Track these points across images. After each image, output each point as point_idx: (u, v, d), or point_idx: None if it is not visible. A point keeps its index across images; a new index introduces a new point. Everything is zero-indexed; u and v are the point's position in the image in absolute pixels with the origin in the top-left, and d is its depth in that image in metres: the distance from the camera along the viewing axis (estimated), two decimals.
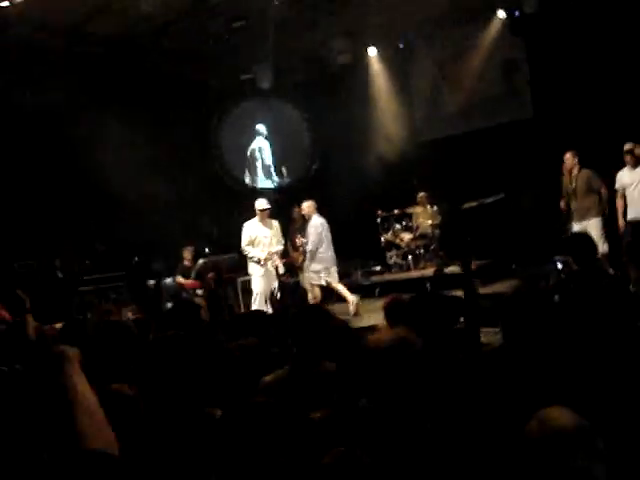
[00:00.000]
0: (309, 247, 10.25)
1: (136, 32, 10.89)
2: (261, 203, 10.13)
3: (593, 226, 9.34)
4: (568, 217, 9.83)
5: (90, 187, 11.19)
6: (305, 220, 11.61)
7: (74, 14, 9.96)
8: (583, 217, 9.57)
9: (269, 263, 10.02)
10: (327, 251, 10.28)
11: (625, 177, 9.42)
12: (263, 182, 14.37)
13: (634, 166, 9.30)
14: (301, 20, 11.63)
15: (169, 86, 12.24)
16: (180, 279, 11.15)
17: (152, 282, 11.11)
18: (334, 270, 10.38)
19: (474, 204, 12.12)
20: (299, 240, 10.85)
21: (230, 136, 14.10)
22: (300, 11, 11.25)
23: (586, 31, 11.17)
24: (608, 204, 9.57)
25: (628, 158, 9.32)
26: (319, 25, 11.95)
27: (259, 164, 14.40)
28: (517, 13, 11.79)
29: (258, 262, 9.99)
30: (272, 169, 14.48)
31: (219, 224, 12.77)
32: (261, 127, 14.38)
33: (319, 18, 11.70)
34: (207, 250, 11.71)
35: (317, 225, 10.27)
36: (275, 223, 10.36)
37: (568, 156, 9.67)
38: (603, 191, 9.54)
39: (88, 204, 11.38)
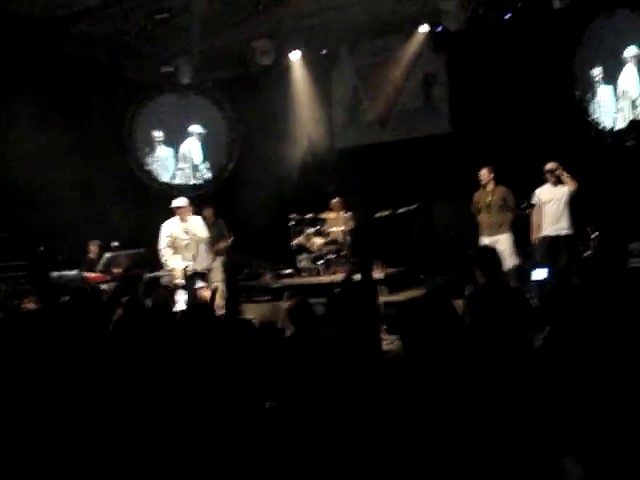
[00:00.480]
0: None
1: (55, 15, 10.59)
2: (176, 201, 9.91)
3: (504, 241, 9.58)
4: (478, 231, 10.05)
5: None
6: (216, 219, 11.57)
7: None
8: (494, 232, 9.78)
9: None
10: None
11: (545, 194, 9.66)
12: (178, 178, 14.13)
13: (555, 184, 9.55)
14: (225, 18, 11.53)
15: (85, 73, 11.92)
16: (85, 272, 10.88)
17: (55, 273, 10.77)
18: None
19: (386, 213, 12.29)
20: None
21: (145, 129, 13.83)
22: (224, 9, 11.15)
23: (506, 50, 11.48)
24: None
25: (549, 176, 9.56)
26: (243, 24, 11.87)
27: (176, 160, 14.16)
28: (439, 28, 11.96)
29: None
30: (189, 166, 14.26)
31: (130, 218, 12.49)
32: (180, 123, 14.14)
33: (243, 17, 11.63)
34: (115, 244, 11.44)
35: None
36: (195, 220, 10.05)
37: (484, 172, 9.88)
38: (516, 209, 9.82)
39: None
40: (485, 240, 9.78)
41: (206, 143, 14.25)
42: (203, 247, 9.93)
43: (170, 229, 9.83)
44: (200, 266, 9.93)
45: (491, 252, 5.92)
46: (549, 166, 9.60)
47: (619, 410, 2.79)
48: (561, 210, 9.55)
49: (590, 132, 11.30)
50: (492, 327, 3.55)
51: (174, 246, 9.83)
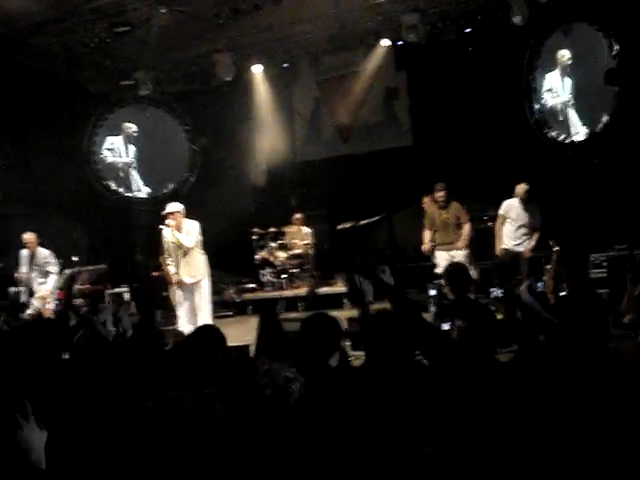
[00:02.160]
0: None
1: (12, 27, 10.44)
2: (169, 206, 9.14)
3: (461, 256, 9.66)
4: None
5: None
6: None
7: None
8: (450, 248, 9.85)
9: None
10: None
11: (514, 210, 9.67)
12: (138, 192, 13.97)
13: (526, 203, 9.59)
14: (185, 31, 11.47)
15: (44, 87, 11.73)
16: None
17: (12, 289, 10.57)
18: None
19: (349, 225, 12.30)
20: None
21: (105, 142, 13.66)
22: (185, 22, 11.09)
23: (465, 64, 11.61)
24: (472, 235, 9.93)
25: (525, 195, 9.54)
26: (204, 37, 11.83)
27: (135, 173, 14.01)
28: (400, 43, 12.03)
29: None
30: (150, 180, 14.11)
31: (89, 232, 12.34)
32: (140, 136, 13.98)
33: (204, 30, 11.58)
34: (75, 259, 11.26)
35: None
36: (189, 226, 9.09)
37: (438, 188, 9.92)
38: (468, 224, 9.89)
39: None
40: (442, 255, 9.85)
41: (164, 156, 14.08)
42: (196, 256, 9.09)
43: (165, 235, 9.12)
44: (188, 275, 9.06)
45: (460, 269, 5.97)
46: (527, 187, 9.60)
47: (585, 422, 2.80)
48: (526, 230, 9.64)
49: (548, 144, 11.44)
50: (463, 342, 3.54)
51: (169, 253, 9.16)
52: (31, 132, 11.58)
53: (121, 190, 13.79)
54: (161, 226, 9.05)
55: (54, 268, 10.19)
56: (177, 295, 9.13)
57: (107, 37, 10.90)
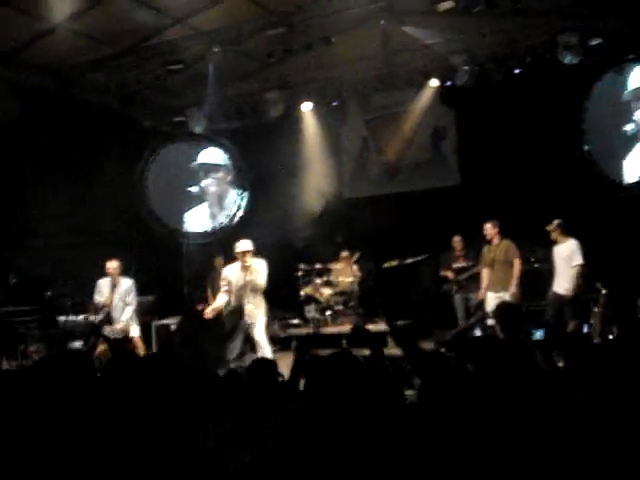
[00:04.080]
0: None
1: (72, 63, 10.79)
2: (240, 244, 9.21)
3: (507, 297, 9.47)
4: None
5: (5, 217, 10.90)
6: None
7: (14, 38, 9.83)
8: (499, 288, 9.71)
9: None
10: None
11: (553, 252, 9.65)
12: (189, 226, 14.19)
13: (558, 242, 9.54)
14: (237, 69, 11.73)
15: (98, 121, 12.05)
16: (92, 317, 10.86)
17: (62, 318, 10.75)
18: None
19: (395, 263, 12.29)
20: None
21: (157, 176, 13.95)
22: (237, 60, 11.34)
23: (514, 105, 11.61)
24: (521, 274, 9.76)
25: (554, 235, 9.53)
26: (255, 75, 12.07)
27: (187, 208, 14.26)
28: (449, 83, 12.10)
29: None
30: (199, 214, 14.34)
31: (138, 265, 12.52)
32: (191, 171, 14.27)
33: (255, 68, 11.82)
34: None
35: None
36: (258, 265, 9.17)
37: (488, 226, 9.89)
38: (517, 262, 9.74)
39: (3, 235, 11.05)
40: (490, 296, 9.74)
41: (216, 191, 14.34)
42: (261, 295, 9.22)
43: (229, 273, 9.23)
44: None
45: (513, 308, 5.93)
46: (549, 226, 9.58)
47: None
48: (562, 268, 9.49)
49: (599, 186, 11.34)
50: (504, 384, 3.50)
51: (229, 290, 9.23)
52: (88, 165, 11.84)
53: (170, 223, 14.02)
54: (230, 266, 9.18)
55: (134, 300, 10.03)
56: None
57: (161, 74, 11.16)
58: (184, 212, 14.26)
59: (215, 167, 14.48)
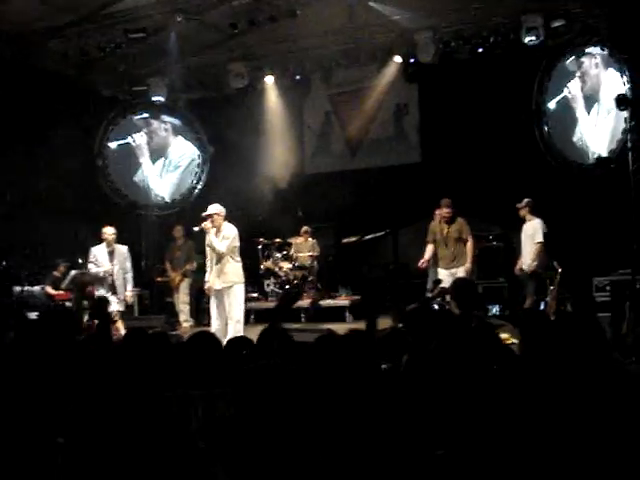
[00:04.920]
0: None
1: (29, 30, 10.56)
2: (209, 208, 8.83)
3: (461, 274, 9.57)
4: (434, 263, 10.10)
5: None
6: (185, 240, 11.48)
7: None
8: (451, 265, 9.80)
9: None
10: None
11: (522, 230, 9.98)
12: (146, 198, 14.02)
13: (527, 220, 9.87)
14: (200, 39, 11.58)
15: (57, 89, 11.81)
16: (49, 289, 10.76)
17: (18, 288, 10.61)
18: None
19: (354, 239, 12.35)
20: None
21: (116, 146, 13.74)
22: (200, 30, 11.20)
23: (476, 83, 11.68)
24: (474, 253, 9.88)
25: (523, 212, 9.89)
26: (218, 46, 11.94)
27: (145, 178, 14.08)
28: (413, 60, 12.11)
29: None
30: (158, 185, 14.18)
31: (97, 236, 12.38)
32: (151, 141, 14.08)
33: (219, 40, 11.69)
34: (81, 261, 11.31)
35: None
36: (226, 231, 8.78)
37: (444, 204, 9.88)
38: (470, 241, 9.83)
39: None
40: (442, 272, 9.80)
41: (174, 163, 14.19)
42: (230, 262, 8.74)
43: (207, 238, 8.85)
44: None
45: (468, 284, 6.00)
46: (520, 204, 9.87)
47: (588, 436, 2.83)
48: (527, 245, 9.82)
49: (556, 166, 11.48)
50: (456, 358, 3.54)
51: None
52: (44, 134, 11.61)
53: (129, 194, 13.85)
54: (196, 227, 8.96)
55: (130, 266, 9.77)
56: (211, 300, 8.85)
57: (122, 42, 10.98)
58: (143, 184, 14.07)
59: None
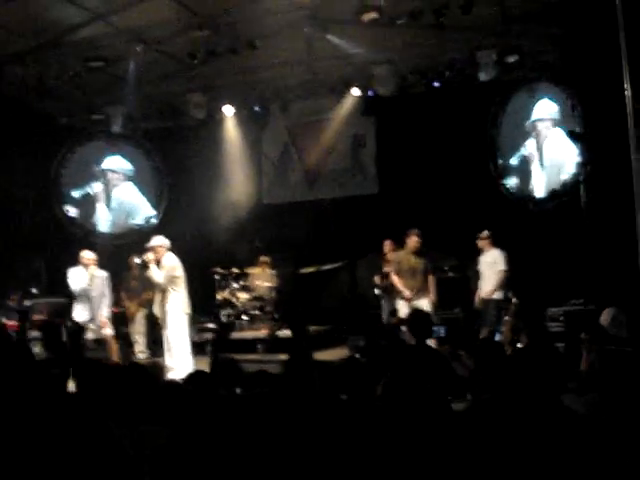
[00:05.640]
0: None
1: None
2: (153, 240, 9.09)
3: (425, 306, 9.53)
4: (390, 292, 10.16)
5: None
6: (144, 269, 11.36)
7: None
8: (418, 296, 9.69)
9: None
10: None
11: (480, 261, 10.19)
12: (103, 227, 13.89)
13: (486, 250, 10.13)
14: (159, 69, 11.58)
15: (15, 117, 11.70)
16: (3, 319, 10.55)
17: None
18: None
19: (312, 269, 12.38)
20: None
21: (72, 175, 13.61)
22: (159, 60, 11.21)
23: (433, 116, 11.87)
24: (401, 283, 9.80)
25: (482, 243, 10.13)
26: (177, 76, 11.94)
27: (102, 208, 13.95)
28: (370, 93, 12.28)
29: None
30: (115, 214, 14.06)
31: (51, 265, 12.22)
32: (109, 170, 13.97)
33: (178, 70, 11.70)
34: (34, 291, 11.14)
35: None
36: (166, 262, 9.02)
37: (414, 233, 9.77)
38: (431, 274, 9.87)
39: None
40: (401, 303, 9.76)
41: (131, 191, 14.10)
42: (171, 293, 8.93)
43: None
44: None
45: (424, 315, 6.10)
46: (481, 234, 10.06)
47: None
48: (487, 274, 10.01)
49: (511, 198, 11.69)
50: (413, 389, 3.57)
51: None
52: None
53: (84, 223, 13.71)
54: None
55: (108, 292, 9.71)
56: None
57: (81, 71, 10.93)
58: (98, 212, 13.94)
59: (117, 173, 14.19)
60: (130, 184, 14.13)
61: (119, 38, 10.31)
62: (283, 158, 14.13)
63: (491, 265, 9.97)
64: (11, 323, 10.45)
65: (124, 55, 10.67)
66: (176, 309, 8.91)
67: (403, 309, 9.59)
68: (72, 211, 13.59)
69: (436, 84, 11.87)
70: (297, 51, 11.03)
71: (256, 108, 13.29)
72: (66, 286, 9.95)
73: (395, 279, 9.89)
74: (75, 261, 9.56)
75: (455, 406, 3.69)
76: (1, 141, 11.58)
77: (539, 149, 11.65)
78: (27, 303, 10.15)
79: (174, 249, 9.23)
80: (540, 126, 11.62)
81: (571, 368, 7.40)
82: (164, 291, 8.87)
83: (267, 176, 14.18)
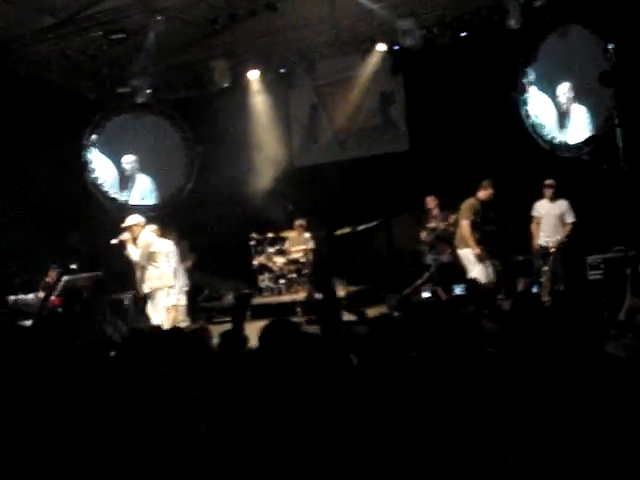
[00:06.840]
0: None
1: (10, 35, 10.47)
2: (128, 219, 9.28)
3: (462, 258, 9.58)
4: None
5: None
6: (179, 240, 11.42)
7: None
8: (462, 245, 9.64)
9: None
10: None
11: (543, 207, 9.94)
12: (136, 200, 13.97)
13: (552, 199, 9.82)
14: (182, 38, 11.50)
15: (42, 95, 11.72)
16: (42, 295, 10.69)
17: (12, 297, 10.54)
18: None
19: (347, 230, 12.34)
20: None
21: (103, 150, 13.69)
22: (181, 28, 11.12)
23: (461, 68, 11.61)
24: (473, 235, 9.66)
25: (549, 192, 9.83)
26: (200, 44, 11.85)
27: (133, 181, 14.02)
28: (397, 47, 12.05)
29: None
30: (147, 187, 14.12)
31: (87, 240, 12.32)
32: (138, 143, 13.99)
33: (200, 37, 11.61)
34: (73, 267, 11.26)
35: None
36: (141, 239, 9.20)
37: (489, 187, 9.75)
38: (464, 224, 9.69)
39: None
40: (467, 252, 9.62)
41: (162, 163, 14.11)
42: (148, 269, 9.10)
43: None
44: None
45: (450, 268, 6.04)
46: (549, 182, 9.84)
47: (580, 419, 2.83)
48: (554, 223, 9.79)
49: (545, 147, 11.47)
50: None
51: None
52: (30, 141, 11.54)
53: (118, 197, 13.81)
54: (114, 240, 9.16)
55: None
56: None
57: (103, 44, 10.91)
58: (131, 186, 14.01)
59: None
60: (160, 156, 14.15)
61: (138, 8, 10.22)
62: (312, 119, 14.00)
63: (556, 216, 9.80)
64: (54, 299, 10.61)
65: (145, 26, 10.59)
66: (157, 283, 9.14)
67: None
68: (104, 185, 13.67)
69: (463, 34, 11.60)
70: (319, 10, 10.86)
71: (281, 70, 13.16)
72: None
73: (469, 231, 9.64)
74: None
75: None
76: (34, 122, 11.63)
77: (572, 94, 11.37)
78: (65, 278, 10.24)
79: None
80: (572, 70, 11.32)
81: (611, 316, 7.31)
82: (143, 268, 9.10)
83: (297, 138, 14.07)
